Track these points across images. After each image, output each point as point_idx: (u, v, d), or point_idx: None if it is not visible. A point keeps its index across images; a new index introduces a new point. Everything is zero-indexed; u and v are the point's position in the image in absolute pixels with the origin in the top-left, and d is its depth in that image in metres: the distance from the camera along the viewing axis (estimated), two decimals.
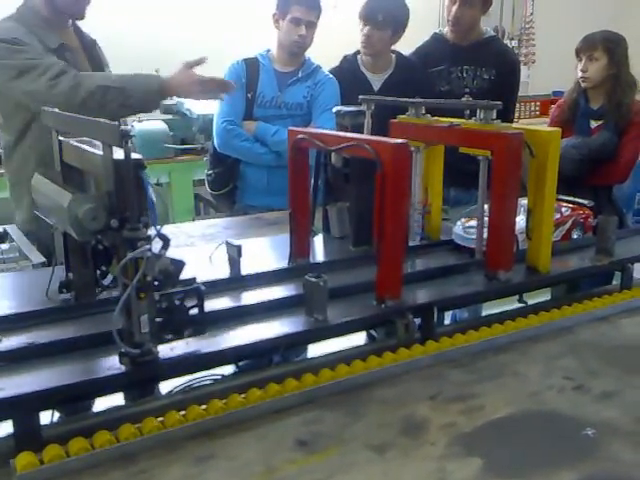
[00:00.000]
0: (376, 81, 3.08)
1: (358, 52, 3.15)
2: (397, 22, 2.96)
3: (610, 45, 3.11)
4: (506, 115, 1.79)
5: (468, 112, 1.72)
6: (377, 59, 3.06)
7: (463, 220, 1.92)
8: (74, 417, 1.21)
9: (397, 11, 2.98)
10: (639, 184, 4.30)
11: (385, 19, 2.91)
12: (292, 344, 1.43)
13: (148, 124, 4.36)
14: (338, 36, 4.32)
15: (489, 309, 1.86)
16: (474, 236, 1.80)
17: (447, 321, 2.24)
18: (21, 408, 1.09)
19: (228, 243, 1.65)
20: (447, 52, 3.17)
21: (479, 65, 3.12)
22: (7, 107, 2.34)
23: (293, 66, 3.01)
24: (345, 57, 3.18)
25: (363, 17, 2.95)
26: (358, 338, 1.63)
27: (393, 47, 3.09)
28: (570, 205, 2.01)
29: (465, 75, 3.14)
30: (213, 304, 1.38)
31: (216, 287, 1.51)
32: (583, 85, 3.18)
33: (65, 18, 2.44)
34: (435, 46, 3.23)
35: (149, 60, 4.76)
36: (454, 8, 3.03)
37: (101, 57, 2.60)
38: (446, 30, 3.25)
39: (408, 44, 3.24)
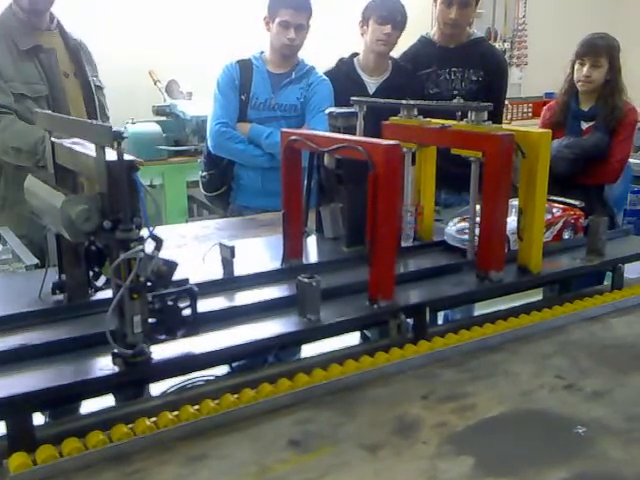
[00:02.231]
0: (372, 84, 3.09)
1: (354, 55, 3.16)
2: (405, 22, 3.06)
3: (613, 52, 3.15)
4: (495, 116, 1.81)
5: (459, 114, 1.73)
6: (381, 60, 3.08)
7: (455, 221, 1.93)
8: (67, 418, 1.21)
9: (405, 12, 3.04)
10: (629, 184, 4.33)
11: (401, 19, 3.01)
12: (285, 344, 1.44)
13: (141, 126, 4.36)
14: (335, 39, 4.35)
15: (481, 309, 1.86)
16: (466, 237, 1.81)
17: (440, 321, 2.25)
18: (14, 409, 1.09)
19: (221, 244, 1.65)
20: (434, 54, 3.18)
21: (467, 67, 3.14)
22: None
23: (286, 68, 3.01)
24: (341, 59, 3.19)
25: (382, 18, 2.96)
26: (351, 338, 1.63)
27: None
28: (561, 206, 2.03)
29: (453, 77, 3.15)
30: (206, 305, 1.38)
31: (209, 288, 1.51)
32: (582, 89, 3.19)
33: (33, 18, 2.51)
34: (422, 49, 3.24)
35: (142, 59, 4.78)
36: (453, 11, 3.04)
37: (84, 60, 2.65)
38: (433, 33, 3.26)
39: (399, 49, 3.25)
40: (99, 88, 2.74)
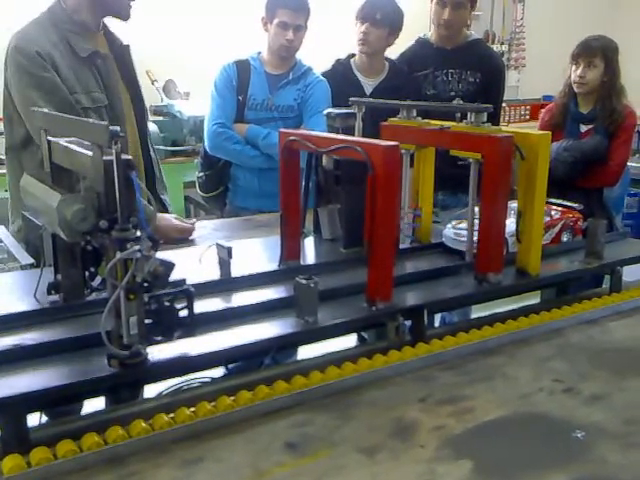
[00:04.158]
0: (369, 85, 3.09)
1: (351, 55, 3.16)
2: (393, 22, 3.01)
3: (608, 53, 3.15)
4: (493, 118, 1.80)
5: (459, 115, 1.72)
6: (372, 60, 3.07)
7: (453, 223, 1.92)
8: (62, 419, 1.20)
9: (394, 12, 3.02)
10: (627, 188, 4.34)
11: (382, 18, 2.96)
12: (283, 346, 1.43)
13: None
14: (333, 40, 4.34)
15: (479, 312, 1.86)
16: (464, 239, 1.80)
17: (436, 324, 2.24)
18: (8, 410, 1.08)
19: (218, 245, 1.64)
20: (432, 56, 3.18)
21: (464, 68, 3.14)
22: (15, 113, 2.29)
23: (284, 68, 3.00)
24: (338, 60, 3.19)
25: (361, 16, 2.97)
26: (348, 340, 1.62)
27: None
28: (560, 208, 2.02)
29: (450, 79, 3.15)
30: (203, 306, 1.37)
31: (206, 289, 1.50)
32: (578, 90, 3.20)
33: (103, 19, 2.32)
34: (420, 50, 3.24)
35: (139, 59, 4.76)
36: (446, 12, 3.04)
37: (133, 64, 2.47)
38: (430, 34, 3.26)
39: (397, 50, 3.25)
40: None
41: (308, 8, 2.93)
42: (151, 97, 4.65)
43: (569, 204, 2.07)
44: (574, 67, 3.20)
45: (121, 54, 2.44)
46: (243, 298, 1.52)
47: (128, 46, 2.47)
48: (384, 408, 1.28)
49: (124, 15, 2.30)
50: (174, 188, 4.46)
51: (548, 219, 1.91)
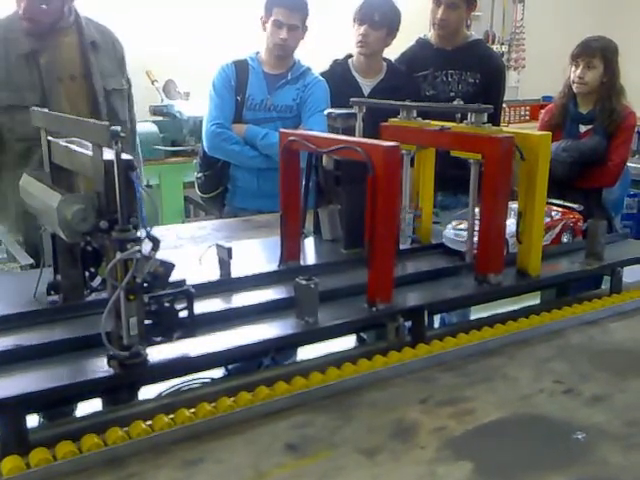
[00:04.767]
0: (367, 86, 3.08)
1: (349, 56, 3.15)
2: (391, 23, 3.01)
3: (608, 54, 3.15)
4: (493, 119, 1.80)
5: (459, 116, 1.72)
6: (370, 61, 3.07)
7: (454, 223, 1.92)
8: (61, 420, 1.20)
9: (391, 12, 3.02)
10: (627, 188, 4.33)
11: (381, 19, 2.95)
12: (282, 347, 1.43)
13: (138, 125, 4.33)
14: (332, 40, 4.34)
15: (479, 312, 1.86)
16: (465, 239, 1.80)
17: (436, 325, 2.24)
18: (7, 411, 1.08)
19: (218, 245, 1.64)
20: (432, 56, 3.18)
21: (464, 69, 3.14)
22: None
23: (282, 68, 3.00)
24: (335, 61, 3.18)
25: (359, 17, 2.97)
26: (347, 340, 1.62)
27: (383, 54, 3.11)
28: (560, 209, 2.02)
29: (450, 79, 3.15)
30: (203, 306, 1.37)
31: (206, 289, 1.50)
32: (577, 91, 3.20)
33: (70, 17, 2.37)
34: (420, 51, 3.24)
35: (139, 59, 4.76)
36: (439, 11, 3.04)
37: (93, 60, 2.45)
38: (430, 35, 3.26)
39: (397, 50, 3.25)
40: (116, 90, 2.52)
41: (305, 8, 2.92)
42: (151, 97, 4.66)
43: (569, 205, 2.07)
44: (573, 67, 3.20)
45: (86, 51, 2.44)
46: (243, 299, 1.52)
47: (94, 41, 2.47)
48: (384, 409, 1.27)
49: (42, 25, 2.33)
50: (174, 188, 4.49)
51: (548, 220, 1.91)
